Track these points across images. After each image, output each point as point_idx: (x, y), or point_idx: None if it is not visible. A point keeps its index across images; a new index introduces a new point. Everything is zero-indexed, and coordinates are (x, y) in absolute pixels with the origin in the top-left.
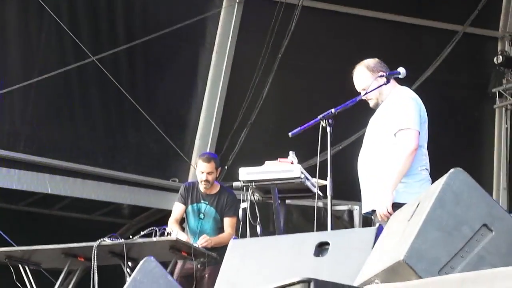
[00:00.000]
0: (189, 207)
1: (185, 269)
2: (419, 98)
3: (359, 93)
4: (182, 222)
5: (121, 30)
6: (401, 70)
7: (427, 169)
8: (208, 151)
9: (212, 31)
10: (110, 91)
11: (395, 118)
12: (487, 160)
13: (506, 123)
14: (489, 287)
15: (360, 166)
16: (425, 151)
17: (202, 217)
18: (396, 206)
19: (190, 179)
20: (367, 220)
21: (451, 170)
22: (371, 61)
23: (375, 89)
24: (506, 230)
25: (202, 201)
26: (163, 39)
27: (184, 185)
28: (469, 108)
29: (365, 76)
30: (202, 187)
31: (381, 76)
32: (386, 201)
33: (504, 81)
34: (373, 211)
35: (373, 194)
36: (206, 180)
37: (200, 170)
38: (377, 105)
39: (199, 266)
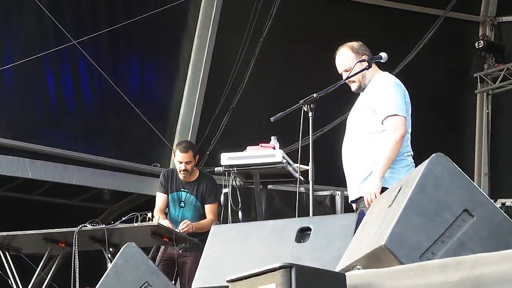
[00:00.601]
0: (170, 195)
1: (167, 254)
2: (402, 84)
3: (341, 78)
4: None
5: (103, 14)
6: (383, 55)
7: (411, 154)
8: (190, 135)
9: (194, 15)
10: (91, 75)
11: (381, 104)
12: (469, 145)
13: (488, 108)
14: (470, 273)
15: (344, 153)
16: (409, 136)
17: (183, 205)
18: (383, 191)
19: (171, 164)
20: (349, 205)
21: (433, 155)
22: (355, 43)
23: (357, 72)
24: (487, 216)
25: (182, 189)
26: (145, 23)
27: (163, 173)
28: (451, 93)
29: (349, 57)
30: (181, 176)
31: (363, 60)
32: (374, 187)
33: (486, 66)
34: (358, 199)
35: (358, 182)
36: (185, 170)
37: (178, 160)
38: (359, 88)
39: (180, 251)
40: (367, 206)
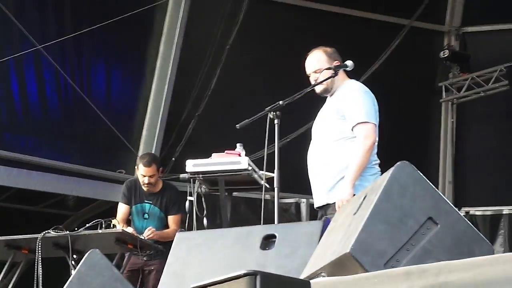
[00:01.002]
0: (133, 207)
1: (131, 264)
2: (371, 93)
3: (307, 86)
4: (129, 222)
5: (68, 19)
6: (349, 63)
7: (378, 163)
8: (155, 142)
9: (160, 21)
10: (57, 81)
11: (352, 111)
12: (433, 154)
13: (452, 117)
14: (434, 281)
15: (310, 160)
16: (376, 145)
17: (147, 217)
18: None
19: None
20: (315, 213)
21: (398, 163)
22: (328, 48)
23: (324, 80)
24: (451, 224)
25: (145, 200)
26: (111, 28)
27: (126, 184)
28: (416, 102)
29: (321, 59)
30: (144, 188)
31: (329, 68)
32: (346, 194)
33: (451, 75)
34: (324, 206)
35: (327, 189)
36: (149, 183)
37: (141, 173)
38: (326, 91)
39: (145, 259)
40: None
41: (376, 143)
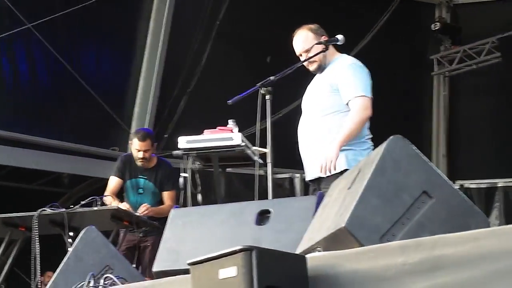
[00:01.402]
0: (128, 182)
1: (127, 241)
2: (365, 67)
3: (298, 60)
4: (119, 195)
5: None
6: (339, 37)
7: (371, 138)
8: (147, 119)
9: None
10: (47, 59)
11: (348, 85)
12: (426, 127)
13: (444, 90)
14: (429, 254)
15: (301, 133)
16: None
17: (142, 192)
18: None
19: (129, 149)
20: (308, 187)
21: (391, 137)
22: (312, 25)
23: (316, 54)
24: (445, 197)
25: (140, 175)
26: (101, 6)
27: (121, 158)
28: (407, 75)
29: (308, 37)
30: (139, 163)
31: (320, 43)
32: (332, 153)
33: (442, 48)
34: (316, 179)
35: (316, 162)
36: (143, 158)
37: (136, 148)
38: (319, 68)
39: (141, 235)
40: (321, 172)
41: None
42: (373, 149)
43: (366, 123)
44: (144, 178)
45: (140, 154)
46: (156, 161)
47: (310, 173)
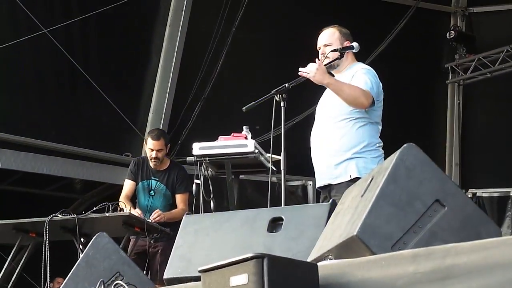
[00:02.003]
0: (140, 184)
1: (137, 246)
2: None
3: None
4: (133, 199)
5: (75, 2)
6: (355, 45)
7: (382, 145)
8: (161, 125)
9: (166, 4)
10: (63, 64)
11: (357, 81)
12: (440, 136)
13: (459, 99)
14: (441, 263)
15: (314, 139)
16: (380, 128)
17: (153, 194)
18: (355, 181)
19: (143, 154)
20: (321, 194)
21: (404, 145)
22: (344, 29)
23: (329, 63)
24: (458, 206)
25: (152, 177)
26: (117, 11)
27: (134, 161)
28: (422, 83)
29: (335, 35)
30: (152, 164)
31: (335, 50)
32: (318, 74)
33: (457, 56)
34: (326, 186)
35: (327, 169)
36: (156, 158)
37: (150, 148)
38: (330, 67)
39: (152, 241)
40: (303, 71)
41: (380, 128)
42: (384, 157)
43: (376, 132)
44: (156, 180)
45: (153, 154)
46: (169, 163)
47: (320, 180)
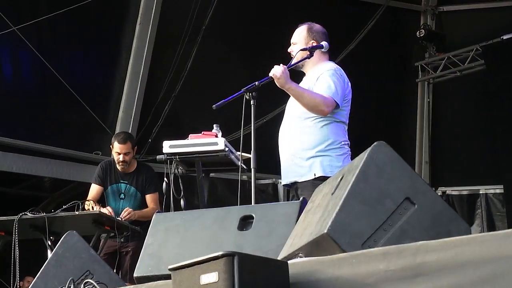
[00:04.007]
0: (109, 188)
1: (107, 247)
2: (346, 77)
3: (285, 63)
4: (100, 203)
5: (44, 0)
6: (324, 44)
7: (348, 143)
8: (131, 123)
9: (136, 2)
10: (32, 62)
11: (320, 88)
12: (410, 134)
13: (428, 97)
14: (411, 261)
15: (280, 137)
16: (346, 128)
17: (123, 197)
18: (321, 179)
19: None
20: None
21: (374, 143)
22: (315, 26)
23: (298, 62)
24: (428, 204)
25: (121, 180)
26: (87, 9)
27: (101, 165)
28: (392, 81)
29: (302, 34)
30: (119, 167)
31: (305, 49)
32: (279, 73)
33: (427, 55)
34: (292, 184)
35: (292, 166)
36: (124, 161)
37: (116, 151)
38: (297, 67)
39: (122, 240)
40: (272, 73)
41: (346, 126)
42: (353, 156)
43: (342, 130)
44: (125, 183)
45: (121, 157)
46: (136, 165)
47: (286, 177)
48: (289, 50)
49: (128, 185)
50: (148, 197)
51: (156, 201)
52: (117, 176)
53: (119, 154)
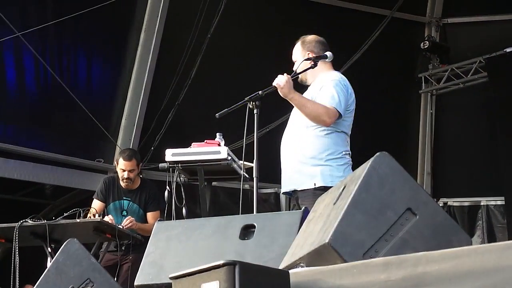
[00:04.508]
0: (111, 204)
1: (106, 260)
2: (351, 87)
3: (288, 73)
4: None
5: (49, 6)
6: (328, 54)
7: (349, 153)
8: (134, 131)
9: (141, 9)
10: (36, 68)
11: (324, 97)
12: (412, 145)
13: (431, 108)
14: (412, 271)
15: (282, 147)
16: (348, 138)
17: (125, 214)
18: (321, 189)
19: (115, 162)
20: (294, 203)
21: (377, 154)
22: (308, 38)
23: (300, 72)
24: (429, 215)
25: (124, 197)
26: (92, 16)
27: (104, 181)
28: (395, 92)
29: (298, 49)
30: (123, 184)
31: (309, 59)
32: (283, 82)
33: (430, 66)
34: (293, 192)
35: (292, 174)
36: (128, 178)
37: (121, 168)
38: (301, 81)
39: (122, 249)
40: (276, 83)
41: (348, 137)
42: (355, 166)
43: (344, 140)
44: (128, 200)
45: (125, 175)
46: (140, 182)
47: (285, 185)
48: (294, 68)
49: (131, 202)
50: (149, 215)
51: (156, 219)
52: (120, 193)
53: (124, 171)
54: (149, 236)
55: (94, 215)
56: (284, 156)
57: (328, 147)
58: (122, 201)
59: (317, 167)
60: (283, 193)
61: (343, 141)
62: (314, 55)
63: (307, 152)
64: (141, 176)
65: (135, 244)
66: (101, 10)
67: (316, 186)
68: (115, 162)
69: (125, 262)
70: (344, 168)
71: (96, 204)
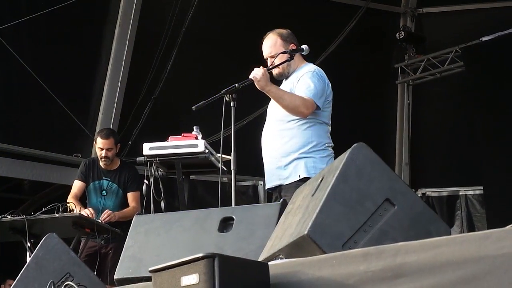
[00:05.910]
0: (91, 184)
1: (88, 248)
2: (327, 78)
3: (264, 66)
4: (82, 199)
5: (23, 2)
6: (305, 47)
7: (332, 145)
8: (111, 125)
9: (116, 3)
10: (11, 64)
11: (301, 89)
12: (390, 135)
13: (408, 99)
14: (392, 262)
15: (263, 140)
16: (329, 128)
17: (105, 194)
18: (304, 180)
19: (93, 155)
20: (272, 195)
21: (354, 145)
22: (284, 31)
23: (280, 64)
24: (408, 205)
25: (103, 177)
26: (66, 11)
27: (84, 162)
28: (372, 83)
29: (277, 43)
30: (102, 164)
31: (285, 52)
32: (259, 76)
33: (406, 56)
34: (277, 187)
35: (277, 169)
36: (106, 157)
37: (99, 147)
38: (281, 75)
39: (102, 242)
40: (252, 76)
41: (329, 127)
42: (334, 157)
43: (326, 132)
44: (107, 180)
45: (103, 153)
46: (119, 163)
47: (270, 181)
48: (269, 63)
49: (110, 182)
50: (130, 195)
51: (137, 200)
52: (100, 173)
53: (102, 149)
54: (129, 225)
55: (73, 210)
56: (265, 151)
57: (311, 139)
58: (101, 181)
59: (301, 159)
60: (268, 189)
61: (325, 132)
62: (295, 48)
63: (290, 146)
64: (120, 158)
65: (115, 237)
66: (75, 5)
67: (300, 177)
68: (94, 142)
69: (106, 251)
70: (327, 160)
71: (77, 185)
